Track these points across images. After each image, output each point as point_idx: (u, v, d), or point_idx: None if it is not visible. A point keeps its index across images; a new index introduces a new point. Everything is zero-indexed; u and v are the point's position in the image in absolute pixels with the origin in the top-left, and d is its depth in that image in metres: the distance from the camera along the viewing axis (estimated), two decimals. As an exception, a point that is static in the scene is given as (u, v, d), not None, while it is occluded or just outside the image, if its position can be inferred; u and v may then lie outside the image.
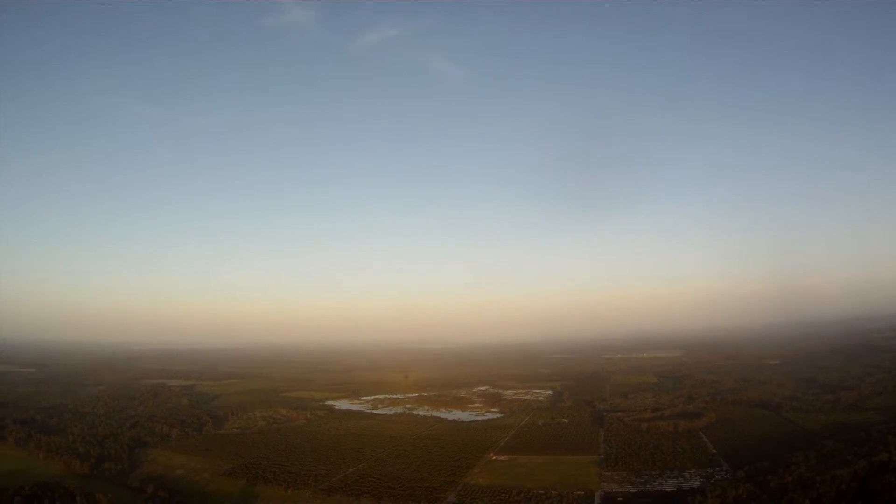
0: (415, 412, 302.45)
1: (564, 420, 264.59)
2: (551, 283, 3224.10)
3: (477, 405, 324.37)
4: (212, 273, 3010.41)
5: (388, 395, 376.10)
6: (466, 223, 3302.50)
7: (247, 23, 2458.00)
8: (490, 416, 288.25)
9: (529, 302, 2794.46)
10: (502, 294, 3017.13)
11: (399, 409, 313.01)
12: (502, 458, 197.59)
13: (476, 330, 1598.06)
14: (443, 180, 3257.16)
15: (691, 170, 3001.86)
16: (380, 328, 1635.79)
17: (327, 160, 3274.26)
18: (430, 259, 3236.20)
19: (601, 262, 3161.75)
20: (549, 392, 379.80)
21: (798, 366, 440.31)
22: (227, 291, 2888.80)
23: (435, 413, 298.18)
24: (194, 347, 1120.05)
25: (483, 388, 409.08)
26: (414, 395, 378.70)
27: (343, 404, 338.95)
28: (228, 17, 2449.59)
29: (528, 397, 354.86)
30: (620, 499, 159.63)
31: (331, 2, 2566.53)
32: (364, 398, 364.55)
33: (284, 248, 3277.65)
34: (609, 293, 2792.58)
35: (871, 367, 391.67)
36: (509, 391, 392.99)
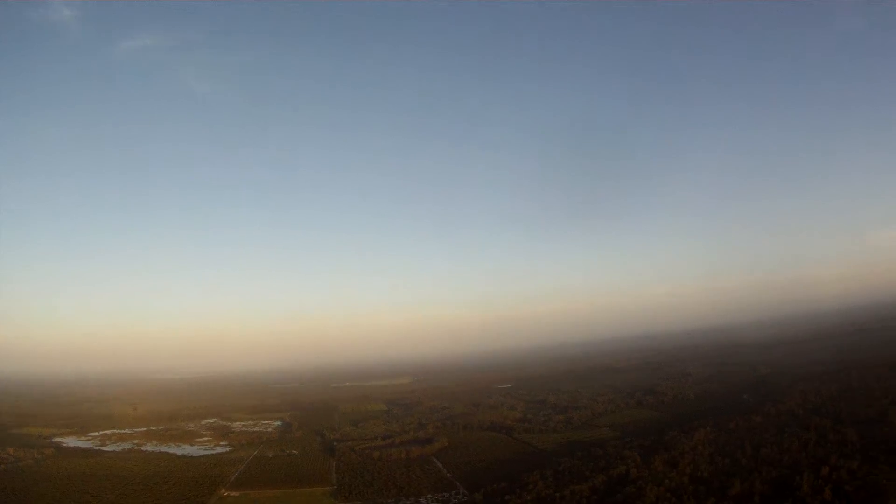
0: (143, 448, 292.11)
1: (295, 451, 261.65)
2: (280, 309, 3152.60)
3: (206, 438, 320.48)
4: None
5: (116, 430, 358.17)
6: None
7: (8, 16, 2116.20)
8: (220, 449, 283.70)
9: (258, 329, 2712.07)
10: (232, 322, 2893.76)
11: (128, 445, 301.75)
12: (234, 493, 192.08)
13: (206, 359, 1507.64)
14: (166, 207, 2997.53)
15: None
16: (102, 358, 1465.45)
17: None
18: (139, 288, 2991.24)
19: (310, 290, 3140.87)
20: (279, 423, 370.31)
21: (529, 389, 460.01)
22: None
23: (164, 448, 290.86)
24: None
25: (212, 421, 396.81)
26: (142, 429, 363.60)
27: (71, 441, 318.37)
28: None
29: (257, 429, 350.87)
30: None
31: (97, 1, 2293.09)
32: (92, 434, 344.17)
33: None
34: (337, 321, 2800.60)
35: (603, 387, 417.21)
36: (238, 423, 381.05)
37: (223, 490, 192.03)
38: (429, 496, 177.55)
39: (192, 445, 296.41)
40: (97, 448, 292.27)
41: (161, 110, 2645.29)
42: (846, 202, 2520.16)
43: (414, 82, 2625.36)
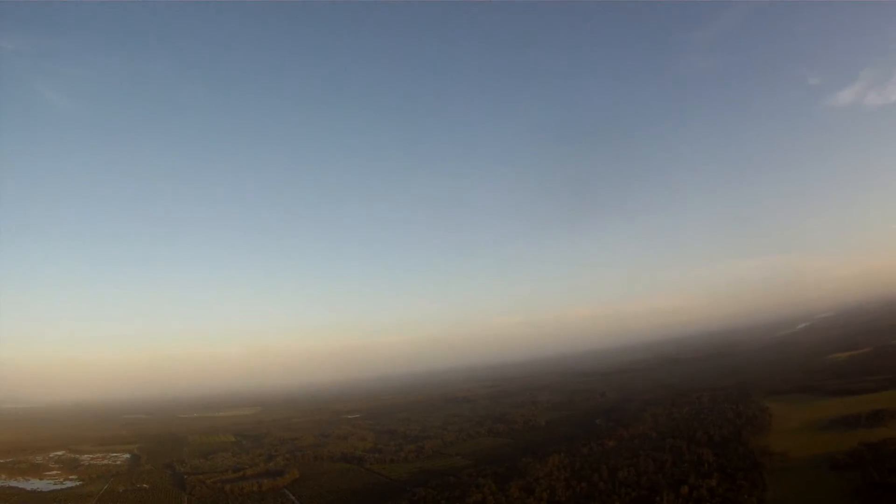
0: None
1: (146, 485, 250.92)
2: (122, 337, 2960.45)
3: (55, 472, 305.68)
4: None
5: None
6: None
7: None
8: (69, 483, 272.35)
9: (101, 358, 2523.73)
10: (74, 350, 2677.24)
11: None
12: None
13: (48, 388, 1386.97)
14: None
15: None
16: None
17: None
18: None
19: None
20: (128, 455, 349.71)
21: (378, 419, 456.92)
22: None
23: (12, 483, 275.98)
24: None
25: (60, 453, 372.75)
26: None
27: None
28: None
29: (106, 461, 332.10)
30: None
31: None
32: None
33: None
34: (177, 351, 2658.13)
35: (453, 416, 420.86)
36: (86, 455, 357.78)
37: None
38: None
39: (41, 480, 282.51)
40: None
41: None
42: (702, 235, 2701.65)
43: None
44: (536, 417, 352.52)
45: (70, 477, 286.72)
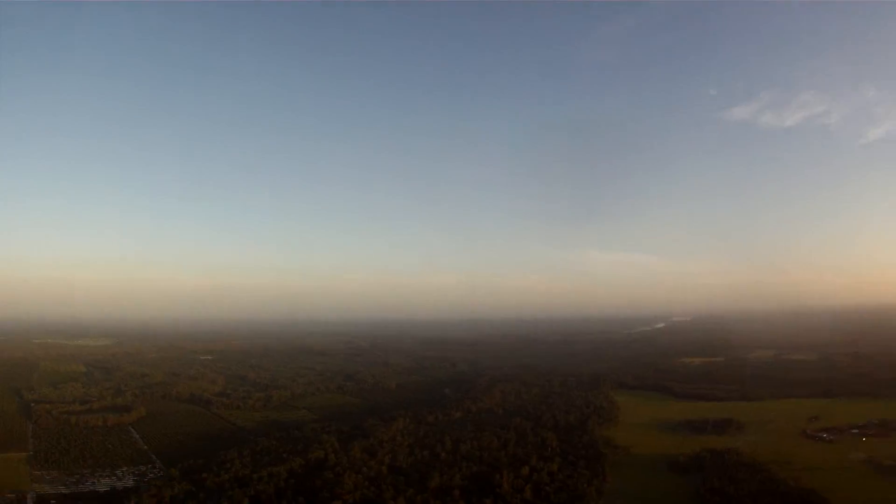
0: None
1: None
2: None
3: None
4: None
5: None
6: None
7: None
8: None
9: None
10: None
11: None
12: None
13: None
14: None
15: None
16: None
17: None
18: None
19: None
20: None
21: (231, 363, 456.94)
22: None
23: None
24: None
25: None
26: None
27: None
28: None
29: None
30: (53, 501, 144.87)
31: None
32: None
33: None
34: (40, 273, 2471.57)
35: (303, 369, 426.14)
36: None
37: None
38: (125, 468, 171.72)
39: None
40: None
41: None
42: (577, 223, 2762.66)
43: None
44: (386, 379, 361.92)
45: None
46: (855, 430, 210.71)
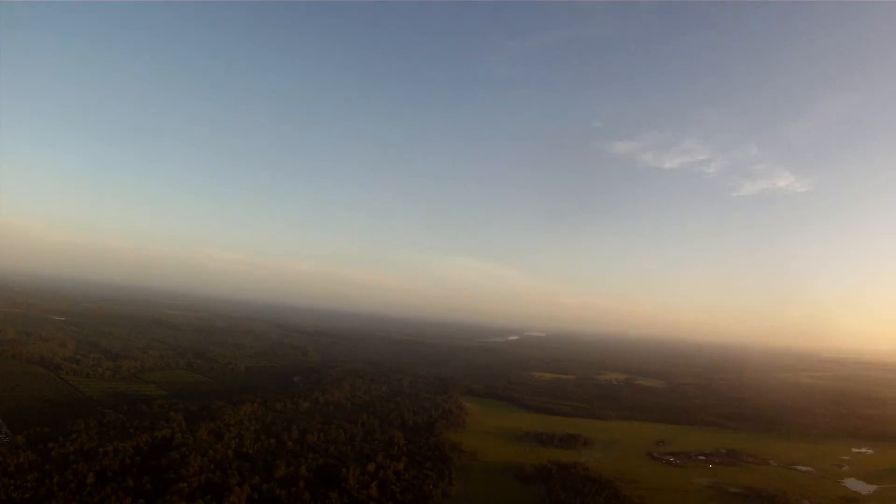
0: None
1: None
2: None
3: None
4: None
5: None
6: None
7: None
8: None
9: None
10: None
11: None
12: None
13: None
14: None
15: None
16: None
17: None
18: None
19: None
20: None
21: (84, 327, 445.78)
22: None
23: None
24: None
25: None
26: None
27: None
28: None
29: None
30: None
31: None
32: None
33: None
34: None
35: (154, 341, 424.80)
36: None
37: None
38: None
39: None
40: None
41: None
42: (438, 229, 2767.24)
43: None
44: (237, 361, 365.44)
45: None
46: (702, 457, 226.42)
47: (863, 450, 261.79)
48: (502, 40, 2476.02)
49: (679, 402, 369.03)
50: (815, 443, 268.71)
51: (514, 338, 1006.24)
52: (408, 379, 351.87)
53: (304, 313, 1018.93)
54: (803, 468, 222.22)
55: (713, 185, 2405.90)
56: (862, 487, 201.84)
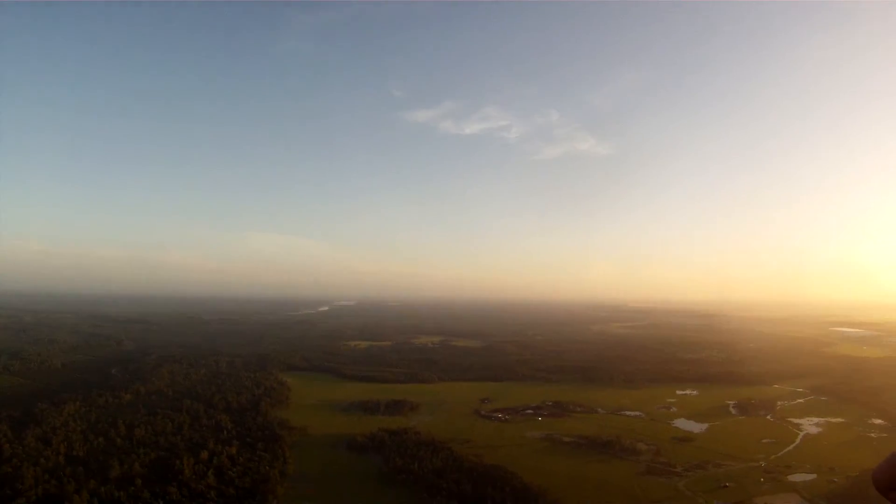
0: None
1: None
2: None
3: None
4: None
5: None
6: None
7: None
8: None
9: None
10: None
11: None
12: None
13: None
14: None
15: None
16: None
17: None
18: None
19: None
20: None
21: None
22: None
23: None
24: None
25: None
26: None
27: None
28: None
29: None
30: None
31: None
32: None
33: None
34: None
35: None
36: None
37: None
38: None
39: None
40: None
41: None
42: (225, 206, 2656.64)
43: None
44: (52, 358, 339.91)
45: None
46: (529, 411, 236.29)
47: (687, 391, 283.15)
48: (298, 15, 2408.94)
49: (498, 359, 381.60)
50: (640, 389, 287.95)
51: (324, 308, 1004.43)
52: (225, 359, 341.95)
53: (113, 301, 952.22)
54: (632, 413, 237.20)
55: (514, 150, 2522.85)
56: (693, 426, 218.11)
